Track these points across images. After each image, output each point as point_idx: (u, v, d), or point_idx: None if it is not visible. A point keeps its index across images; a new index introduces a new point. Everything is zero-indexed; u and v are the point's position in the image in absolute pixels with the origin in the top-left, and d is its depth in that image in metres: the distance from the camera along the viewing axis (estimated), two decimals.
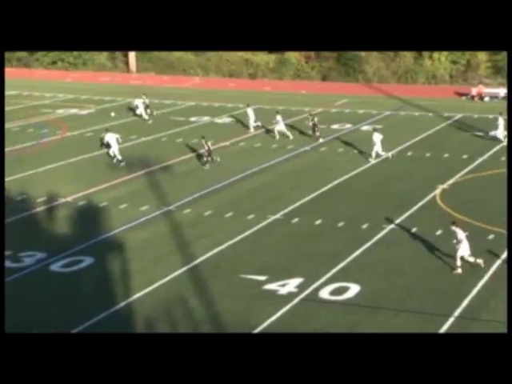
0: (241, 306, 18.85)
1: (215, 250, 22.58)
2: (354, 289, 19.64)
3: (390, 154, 32.75)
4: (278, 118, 37.55)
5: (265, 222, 24.96)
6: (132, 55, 62.09)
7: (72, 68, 63.51)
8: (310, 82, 56.12)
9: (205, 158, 32.49)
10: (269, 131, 38.32)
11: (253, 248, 22.80)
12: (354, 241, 23.05)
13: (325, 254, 22.05)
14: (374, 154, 32.58)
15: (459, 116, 41.79)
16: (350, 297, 19.24)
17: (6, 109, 45.74)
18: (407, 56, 54.68)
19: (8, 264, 21.48)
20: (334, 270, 20.88)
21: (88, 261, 21.84)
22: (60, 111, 45.63)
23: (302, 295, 19.39)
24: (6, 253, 22.13)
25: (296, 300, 19.13)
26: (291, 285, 19.97)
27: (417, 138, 36.78)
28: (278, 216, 25.57)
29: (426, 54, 54.07)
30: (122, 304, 19.00)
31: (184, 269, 21.23)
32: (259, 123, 39.40)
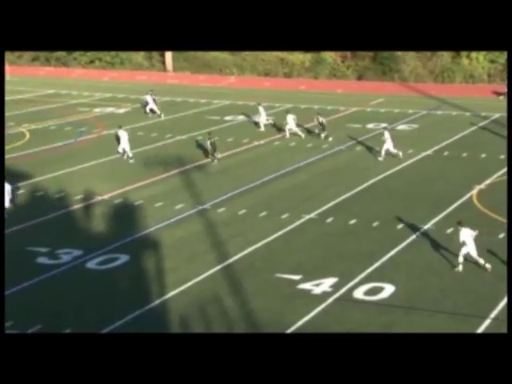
0: (275, 305, 18.87)
1: (249, 249, 22.63)
2: (388, 289, 19.55)
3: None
4: (289, 117, 37.50)
5: (299, 222, 24.94)
6: (169, 54, 62.42)
7: (109, 67, 64.05)
8: (346, 82, 55.91)
9: (213, 155, 32.79)
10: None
11: (287, 247, 22.80)
12: (388, 241, 22.93)
13: (359, 253, 21.97)
14: (383, 152, 32.65)
15: (497, 116, 41.31)
16: (385, 297, 19.15)
17: (45, 107, 46.38)
18: (444, 55, 54.20)
19: (45, 261, 21.76)
20: (369, 270, 20.79)
21: (123, 258, 22.03)
22: (97, 110, 46.07)
23: (336, 295, 19.35)
24: (44, 249, 22.46)
25: (330, 300, 19.10)
26: (325, 284, 19.94)
27: (454, 138, 36.45)
28: (312, 215, 25.54)
29: (463, 53, 53.55)
30: (157, 302, 19.13)
31: (218, 267, 21.31)
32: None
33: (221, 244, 23.09)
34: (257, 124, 39.81)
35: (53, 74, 62.02)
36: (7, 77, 58.77)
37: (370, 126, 40.12)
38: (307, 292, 19.55)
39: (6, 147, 35.42)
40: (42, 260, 21.82)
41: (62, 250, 22.56)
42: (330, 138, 36.38)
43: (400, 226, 24.18)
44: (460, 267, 20.58)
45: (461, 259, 20.56)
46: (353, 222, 24.78)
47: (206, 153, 33.88)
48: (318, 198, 27.42)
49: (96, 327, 17.46)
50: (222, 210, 26.47)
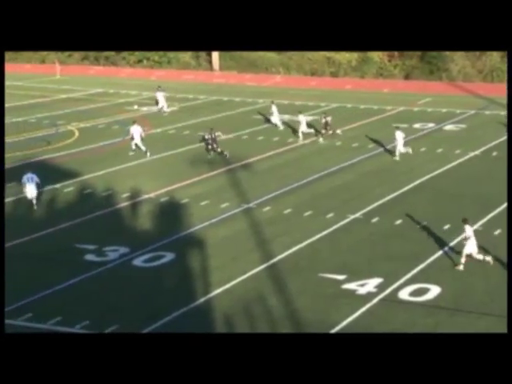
0: (319, 304, 18.85)
1: (294, 249, 22.63)
2: (434, 290, 19.38)
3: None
4: (301, 118, 37.54)
5: (344, 221, 24.86)
6: (215, 54, 62.75)
7: (157, 66, 64.65)
8: (393, 81, 55.50)
9: (209, 147, 33.96)
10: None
11: (332, 247, 22.75)
12: (435, 242, 22.73)
13: (405, 254, 21.82)
14: (397, 152, 32.95)
15: None
16: (430, 298, 18.99)
17: (94, 106, 46.99)
18: (493, 55, 53.44)
19: (93, 258, 22.07)
20: (414, 271, 20.63)
21: (169, 256, 22.22)
22: (144, 109, 46.51)
23: (381, 295, 19.25)
24: (91, 247, 22.78)
25: (375, 300, 19.01)
26: (370, 285, 19.85)
27: (502, 138, 35.92)
28: (357, 215, 25.43)
29: None
30: (202, 300, 19.26)
31: (262, 266, 21.36)
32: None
33: (265, 243, 23.14)
34: (276, 125, 39.97)
35: (102, 73, 62.81)
36: (58, 76, 59.76)
37: (416, 125, 39.76)
38: (352, 292, 19.49)
39: (57, 145, 36.04)
40: (89, 257, 22.13)
41: (109, 247, 22.86)
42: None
43: (447, 226, 23.94)
44: (461, 266, 20.64)
45: (463, 259, 20.68)
46: (398, 222, 24.61)
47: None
48: (364, 198, 27.29)
49: (142, 324, 17.66)
50: (267, 208, 26.52)
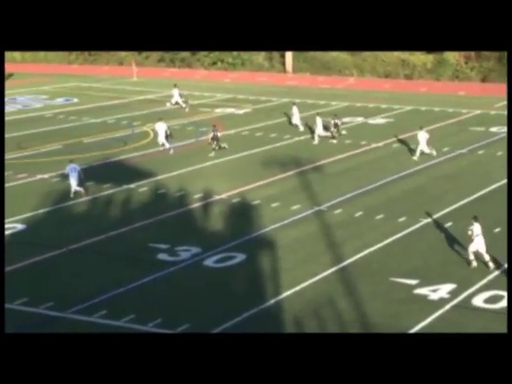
0: (390, 309, 18.68)
1: (365, 252, 22.48)
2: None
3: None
4: (318, 120, 37.40)
5: (417, 226, 24.55)
6: (289, 55, 62.81)
7: (231, 68, 65.14)
8: (469, 83, 54.54)
9: (213, 146, 34.72)
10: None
11: (404, 251, 22.50)
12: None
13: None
14: (418, 152, 32.97)
15: None
16: (505, 306, 18.58)
17: (170, 107, 47.63)
18: None
19: (165, 257, 22.39)
20: (489, 277, 20.24)
21: (240, 257, 22.36)
22: (218, 110, 46.92)
23: (454, 302, 18.94)
24: (164, 246, 23.11)
25: (447, 306, 18.72)
26: (443, 290, 19.56)
27: None
28: (430, 220, 25.08)
29: None
30: (272, 302, 19.31)
31: (333, 269, 21.29)
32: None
33: (336, 246, 23.06)
34: (296, 126, 40.14)
35: (177, 75, 63.63)
36: (134, 77, 60.86)
37: (493, 129, 38.97)
38: (423, 297, 19.24)
39: (131, 146, 36.70)
40: (162, 256, 22.46)
41: (181, 247, 23.14)
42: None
43: None
44: (474, 263, 20.88)
45: (471, 256, 20.98)
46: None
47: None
48: (437, 202, 26.89)
49: (212, 324, 17.83)
50: (338, 211, 26.42)
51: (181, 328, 17.66)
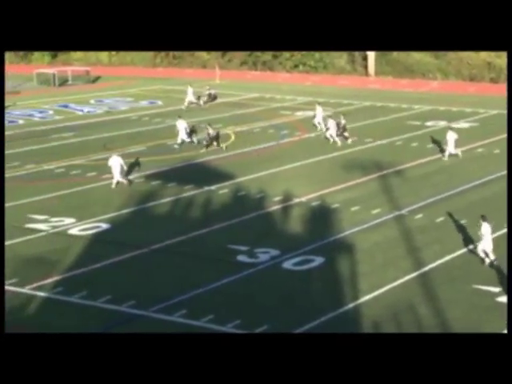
0: (472, 316, 18.36)
1: (446, 258, 22.15)
2: None
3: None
4: (330, 122, 37.42)
5: (500, 232, 23.98)
6: (371, 59, 62.37)
7: (313, 71, 65.13)
8: None
9: (205, 142, 36.50)
10: None
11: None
12: None
13: None
14: (447, 153, 33.41)
15: None
16: None
17: (250, 110, 48.05)
18: None
19: (244, 259, 22.58)
20: None
21: (319, 260, 22.36)
22: (298, 113, 47.00)
23: None
24: (244, 248, 23.30)
25: None
26: None
27: None
28: None
29: None
30: (350, 306, 19.24)
31: (413, 274, 21.05)
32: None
33: (416, 251, 22.79)
34: (316, 126, 40.61)
35: (259, 78, 64.05)
36: (217, 80, 61.55)
37: None
38: (506, 305, 18.81)
39: (213, 148, 37.13)
40: (241, 258, 22.67)
41: (261, 249, 23.29)
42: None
43: None
44: (487, 259, 21.07)
45: (482, 254, 21.23)
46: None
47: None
48: None
49: (290, 326, 17.89)
50: (419, 216, 26.10)
51: (259, 329, 17.79)
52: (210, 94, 51.34)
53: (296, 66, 66.04)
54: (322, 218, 26.57)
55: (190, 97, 49.38)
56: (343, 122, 37.92)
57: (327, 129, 38.24)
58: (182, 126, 37.63)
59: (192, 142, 37.49)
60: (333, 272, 21.52)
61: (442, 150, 34.79)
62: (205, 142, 36.72)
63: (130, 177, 31.65)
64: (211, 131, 36.85)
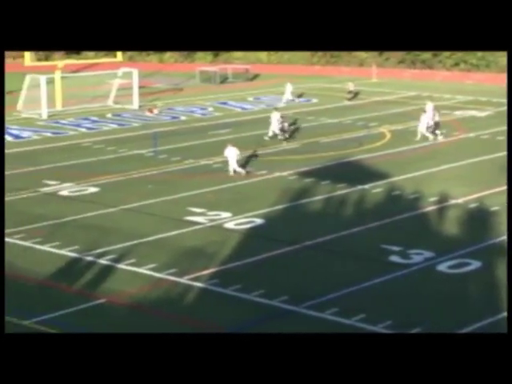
0: None
1: None
2: None
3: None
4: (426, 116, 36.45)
5: None
6: None
7: (474, 69, 63.16)
8: None
9: (281, 137, 37.20)
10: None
11: None
12: None
13: None
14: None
15: None
16: None
17: (406, 109, 47.29)
18: None
19: (397, 259, 22.28)
20: None
21: (475, 264, 21.70)
22: (458, 113, 45.74)
23: None
24: (396, 248, 23.00)
25: None
26: None
27: None
28: None
29: None
30: (505, 314, 18.51)
31: None
32: None
33: None
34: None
35: (417, 76, 62.93)
36: (373, 79, 61.10)
37: None
38: None
39: (367, 147, 36.92)
40: (394, 258, 22.39)
41: (414, 250, 22.90)
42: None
43: None
44: None
45: None
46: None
47: None
48: None
49: (444, 330, 17.47)
50: None
51: (413, 331, 17.52)
52: (350, 92, 51.32)
53: (457, 64, 64.29)
54: (479, 220, 25.76)
55: (288, 95, 49.75)
56: (437, 118, 37.31)
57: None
58: (275, 118, 38.00)
59: (284, 135, 37.72)
60: (490, 277, 20.81)
61: None
62: (282, 137, 37.43)
63: (283, 173, 32.02)
64: (285, 124, 37.67)
